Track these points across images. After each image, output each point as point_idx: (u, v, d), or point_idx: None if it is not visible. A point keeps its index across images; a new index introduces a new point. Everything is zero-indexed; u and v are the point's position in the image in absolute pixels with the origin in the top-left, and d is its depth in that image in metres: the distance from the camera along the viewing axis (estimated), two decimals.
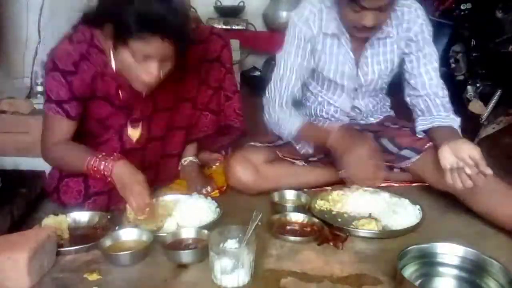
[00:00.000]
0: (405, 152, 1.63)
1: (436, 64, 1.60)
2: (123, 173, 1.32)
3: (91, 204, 1.43)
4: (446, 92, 1.61)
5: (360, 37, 1.54)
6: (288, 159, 1.66)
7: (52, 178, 1.50)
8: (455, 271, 1.15)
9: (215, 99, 1.68)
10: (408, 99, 1.66)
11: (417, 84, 1.60)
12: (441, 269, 1.16)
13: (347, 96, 1.71)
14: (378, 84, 1.70)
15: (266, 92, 1.68)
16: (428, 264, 1.16)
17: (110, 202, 1.45)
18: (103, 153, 1.35)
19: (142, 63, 1.26)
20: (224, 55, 1.65)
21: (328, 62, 1.63)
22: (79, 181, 1.44)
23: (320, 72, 1.66)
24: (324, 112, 1.78)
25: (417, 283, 1.10)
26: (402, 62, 1.65)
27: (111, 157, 1.34)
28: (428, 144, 1.56)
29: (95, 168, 1.33)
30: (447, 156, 1.33)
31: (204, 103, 1.66)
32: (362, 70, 1.64)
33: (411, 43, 1.59)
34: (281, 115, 1.63)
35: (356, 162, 1.42)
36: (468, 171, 1.29)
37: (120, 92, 1.43)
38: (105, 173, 1.32)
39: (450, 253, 1.16)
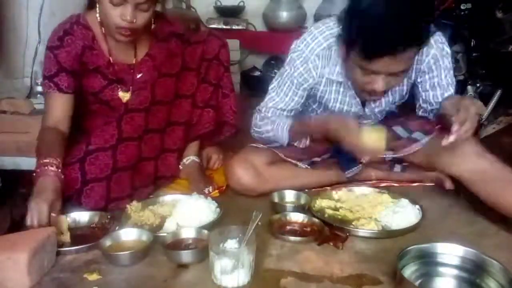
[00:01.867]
0: (416, 135, 1.63)
1: (450, 80, 1.51)
2: (40, 186, 1.28)
3: (88, 191, 1.42)
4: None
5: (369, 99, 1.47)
6: (291, 160, 1.64)
7: None
8: (455, 271, 1.15)
9: (214, 96, 1.73)
10: (419, 112, 1.59)
11: (428, 96, 1.52)
12: (441, 269, 1.16)
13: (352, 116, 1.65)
14: (384, 113, 1.67)
15: (252, 118, 1.63)
16: (428, 264, 1.16)
17: (108, 191, 1.45)
18: (51, 167, 1.31)
19: (118, 9, 1.38)
20: (223, 54, 1.72)
21: (333, 101, 1.56)
22: (75, 168, 1.43)
23: (324, 103, 1.60)
24: None
25: (417, 283, 1.10)
26: (412, 88, 1.57)
27: (47, 171, 1.30)
28: (437, 126, 1.56)
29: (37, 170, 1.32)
30: (448, 106, 1.33)
31: (205, 100, 1.70)
32: (369, 106, 1.58)
33: (422, 73, 1.50)
34: (267, 125, 1.58)
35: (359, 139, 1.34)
36: (455, 127, 1.22)
37: (110, 59, 1.54)
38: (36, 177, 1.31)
39: (450, 253, 1.16)
